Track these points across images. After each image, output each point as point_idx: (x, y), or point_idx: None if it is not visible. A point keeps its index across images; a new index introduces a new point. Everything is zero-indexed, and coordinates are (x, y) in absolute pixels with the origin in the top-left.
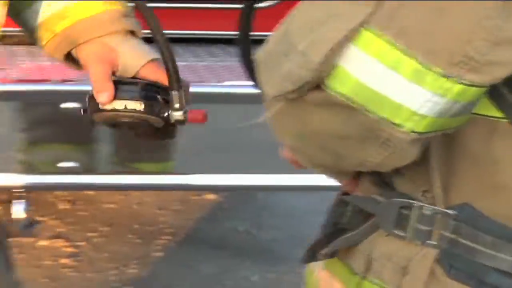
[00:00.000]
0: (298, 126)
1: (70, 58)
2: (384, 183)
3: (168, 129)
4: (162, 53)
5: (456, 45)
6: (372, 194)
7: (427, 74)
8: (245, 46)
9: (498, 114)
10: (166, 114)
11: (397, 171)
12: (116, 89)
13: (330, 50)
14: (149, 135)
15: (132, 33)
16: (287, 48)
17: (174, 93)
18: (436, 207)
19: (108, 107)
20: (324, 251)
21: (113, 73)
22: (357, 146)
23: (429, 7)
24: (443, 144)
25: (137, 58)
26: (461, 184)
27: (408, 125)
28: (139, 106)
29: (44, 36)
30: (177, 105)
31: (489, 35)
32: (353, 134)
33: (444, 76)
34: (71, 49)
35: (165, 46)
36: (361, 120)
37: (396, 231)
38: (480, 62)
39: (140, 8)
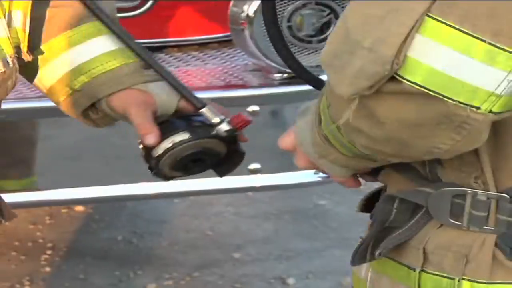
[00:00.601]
0: (371, 122)
1: (86, 114)
2: (424, 177)
3: (235, 149)
4: (164, 78)
5: None
6: (413, 187)
7: (498, 54)
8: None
9: None
10: (214, 132)
11: (440, 162)
12: (160, 130)
13: (401, 43)
14: (225, 166)
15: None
16: (351, 46)
17: (205, 110)
18: (490, 192)
19: (160, 150)
20: (378, 251)
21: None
22: (428, 133)
23: None
24: (490, 128)
25: (171, 95)
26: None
27: (485, 106)
28: (186, 136)
29: (61, 92)
30: (215, 119)
31: None
32: (426, 121)
33: None
34: (91, 104)
35: (162, 69)
36: (436, 106)
37: (451, 221)
38: None
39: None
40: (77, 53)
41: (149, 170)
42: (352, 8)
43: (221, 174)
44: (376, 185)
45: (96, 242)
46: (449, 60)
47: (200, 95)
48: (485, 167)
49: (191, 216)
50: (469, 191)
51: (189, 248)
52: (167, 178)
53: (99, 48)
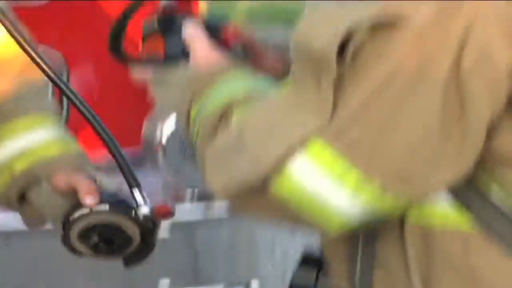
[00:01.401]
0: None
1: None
2: None
3: (148, 240)
4: (110, 151)
5: (395, 163)
6: None
7: (367, 186)
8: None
9: (467, 227)
10: (133, 213)
11: None
12: None
13: (280, 157)
14: (134, 256)
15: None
16: (239, 148)
17: (135, 190)
18: None
19: (76, 214)
20: None
21: None
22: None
23: (377, 128)
24: (423, 257)
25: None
26: None
27: (334, 227)
28: (104, 207)
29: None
30: (139, 201)
31: (424, 156)
32: (281, 218)
33: (381, 188)
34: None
35: (112, 144)
36: (292, 214)
37: None
38: (412, 177)
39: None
40: (20, 142)
41: (60, 237)
42: (253, 113)
43: (127, 263)
44: None
45: None
46: (319, 182)
47: None
48: None
49: (44, 257)
50: None
51: None
52: (73, 249)
53: (42, 136)
